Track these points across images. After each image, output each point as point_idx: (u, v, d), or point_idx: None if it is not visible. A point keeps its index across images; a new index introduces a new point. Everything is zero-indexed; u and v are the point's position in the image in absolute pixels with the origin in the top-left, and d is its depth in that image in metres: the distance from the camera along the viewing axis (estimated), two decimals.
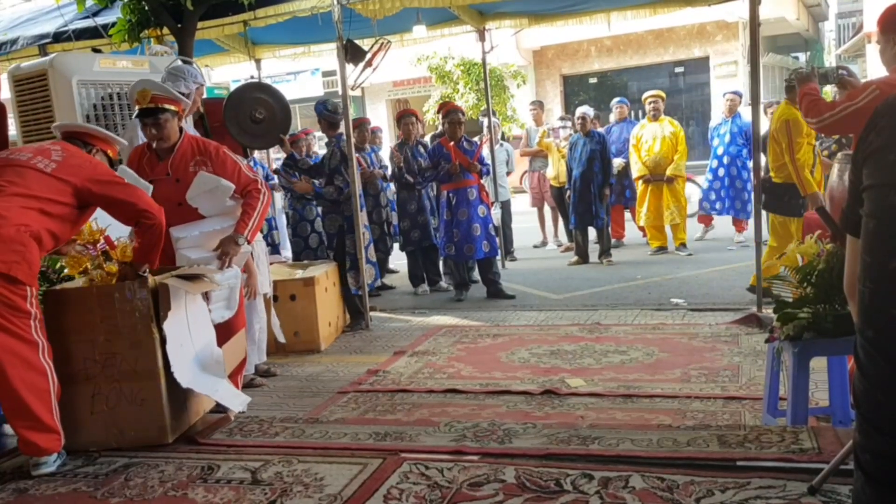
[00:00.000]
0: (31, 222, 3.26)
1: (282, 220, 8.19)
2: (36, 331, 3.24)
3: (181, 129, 4.09)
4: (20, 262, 3.17)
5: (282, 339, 4.80)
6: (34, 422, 3.20)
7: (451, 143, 6.76)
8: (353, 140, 5.86)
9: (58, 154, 3.46)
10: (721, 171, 8.63)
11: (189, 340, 3.63)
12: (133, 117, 4.09)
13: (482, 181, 7.01)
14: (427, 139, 8.30)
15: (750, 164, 7.28)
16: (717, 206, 8.73)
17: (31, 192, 3.29)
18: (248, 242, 4.10)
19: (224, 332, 3.98)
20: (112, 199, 3.49)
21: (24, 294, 3.20)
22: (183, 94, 4.29)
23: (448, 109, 7.05)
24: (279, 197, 7.94)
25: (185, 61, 4.81)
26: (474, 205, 6.80)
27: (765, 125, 6.55)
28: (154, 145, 4.03)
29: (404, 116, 7.56)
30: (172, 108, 3.99)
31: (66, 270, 3.79)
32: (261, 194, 4.09)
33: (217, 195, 4.03)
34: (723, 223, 9.11)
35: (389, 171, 7.63)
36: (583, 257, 8.28)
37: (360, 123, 7.62)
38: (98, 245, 3.63)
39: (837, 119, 3.43)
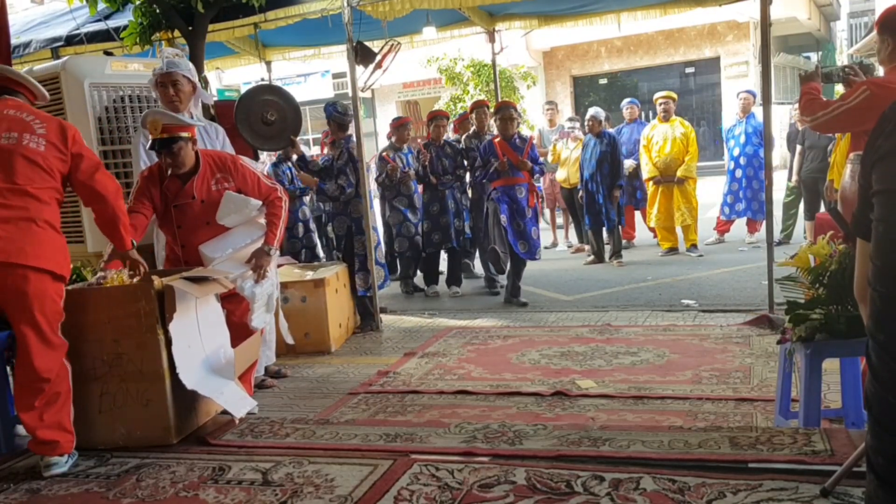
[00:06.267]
0: (52, 216, 3.26)
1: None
2: (61, 332, 3.29)
3: (196, 152, 4.08)
4: (68, 263, 3.25)
5: (290, 340, 4.81)
6: (53, 422, 3.23)
7: (498, 140, 6.57)
8: (363, 142, 5.87)
9: (38, 126, 3.27)
10: (738, 173, 8.59)
11: (199, 342, 3.65)
12: (147, 148, 4.10)
13: (533, 180, 6.73)
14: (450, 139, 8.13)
15: None
16: (737, 207, 8.67)
17: (44, 182, 3.22)
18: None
19: (242, 332, 4.01)
20: (82, 159, 3.33)
21: (62, 294, 3.27)
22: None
23: (500, 106, 6.80)
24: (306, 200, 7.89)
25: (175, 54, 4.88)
26: (521, 203, 6.51)
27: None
28: (170, 172, 4.03)
29: (436, 118, 7.49)
30: (185, 134, 3.97)
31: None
32: (282, 202, 4.24)
33: (244, 212, 4.15)
34: (734, 224, 9.06)
35: (413, 171, 7.46)
36: (598, 257, 8.28)
37: (403, 123, 7.55)
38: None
39: (831, 118, 3.57)
